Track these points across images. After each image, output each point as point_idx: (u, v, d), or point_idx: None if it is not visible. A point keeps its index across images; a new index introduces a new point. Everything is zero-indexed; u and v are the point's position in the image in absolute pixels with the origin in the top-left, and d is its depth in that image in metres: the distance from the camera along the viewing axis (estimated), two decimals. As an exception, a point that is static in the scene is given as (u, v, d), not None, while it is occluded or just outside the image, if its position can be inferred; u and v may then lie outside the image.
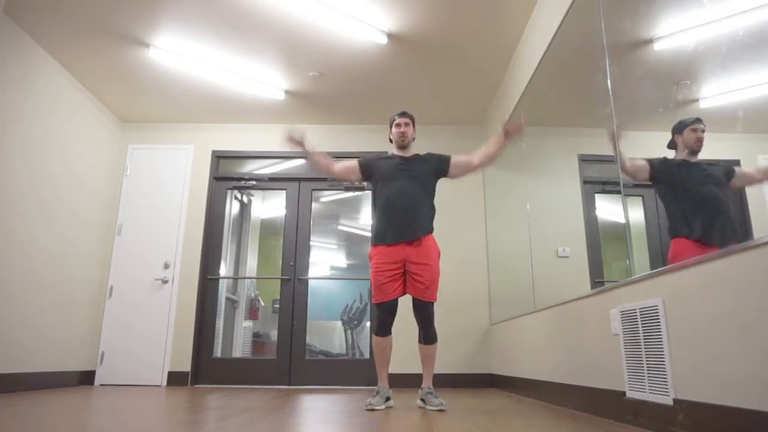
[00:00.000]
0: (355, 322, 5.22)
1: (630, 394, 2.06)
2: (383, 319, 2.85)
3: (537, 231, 3.35)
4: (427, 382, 2.86)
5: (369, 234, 5.06)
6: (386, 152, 2.94)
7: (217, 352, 4.82)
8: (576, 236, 2.70)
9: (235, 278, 5.31)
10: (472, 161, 3.01)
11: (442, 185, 5.08)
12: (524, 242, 3.61)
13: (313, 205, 5.15)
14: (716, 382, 1.57)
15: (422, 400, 2.82)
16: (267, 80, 4.42)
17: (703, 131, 1.69)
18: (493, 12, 3.51)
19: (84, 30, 3.73)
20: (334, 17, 3.48)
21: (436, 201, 3.04)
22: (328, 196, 5.32)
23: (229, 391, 4.01)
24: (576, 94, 2.72)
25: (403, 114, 3.02)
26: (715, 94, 1.63)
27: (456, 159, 3.04)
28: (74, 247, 4.39)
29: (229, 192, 5.18)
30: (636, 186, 2.12)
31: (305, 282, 4.88)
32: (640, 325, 1.99)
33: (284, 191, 5.14)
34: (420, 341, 2.89)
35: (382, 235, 2.89)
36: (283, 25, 3.65)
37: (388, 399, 2.81)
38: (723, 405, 1.52)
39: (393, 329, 2.90)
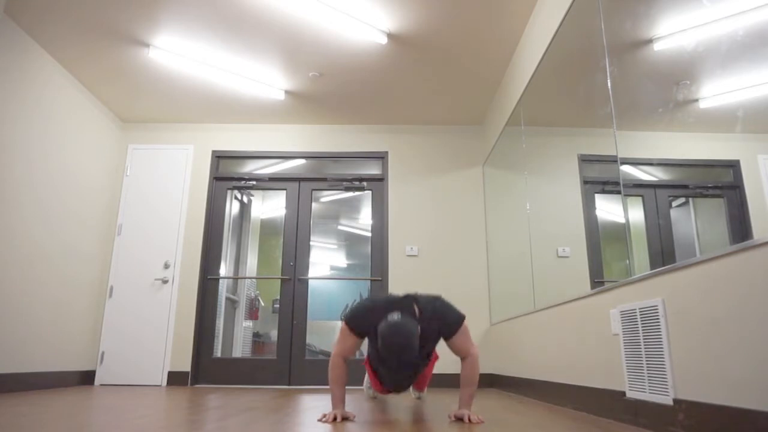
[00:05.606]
0: (355, 322, 5.21)
1: (630, 394, 2.06)
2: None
3: (537, 231, 3.35)
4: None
5: (369, 234, 5.06)
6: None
7: (217, 352, 4.82)
8: (576, 236, 2.70)
9: (235, 278, 5.31)
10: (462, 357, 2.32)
11: (441, 184, 5.10)
12: (524, 242, 3.61)
13: (313, 205, 5.15)
14: (716, 382, 1.57)
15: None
16: (267, 80, 4.42)
17: None
18: (493, 12, 3.51)
19: (84, 30, 3.73)
20: (334, 17, 3.48)
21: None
22: (328, 196, 5.32)
23: (229, 391, 4.01)
24: (576, 94, 2.72)
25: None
26: (715, 94, 1.63)
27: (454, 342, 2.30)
28: (74, 247, 4.39)
29: (229, 192, 5.18)
30: (636, 186, 2.12)
31: (305, 282, 4.88)
32: (640, 325, 1.99)
33: (284, 191, 5.14)
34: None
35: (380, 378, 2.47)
36: (283, 25, 3.65)
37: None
38: (723, 405, 1.52)
39: None
